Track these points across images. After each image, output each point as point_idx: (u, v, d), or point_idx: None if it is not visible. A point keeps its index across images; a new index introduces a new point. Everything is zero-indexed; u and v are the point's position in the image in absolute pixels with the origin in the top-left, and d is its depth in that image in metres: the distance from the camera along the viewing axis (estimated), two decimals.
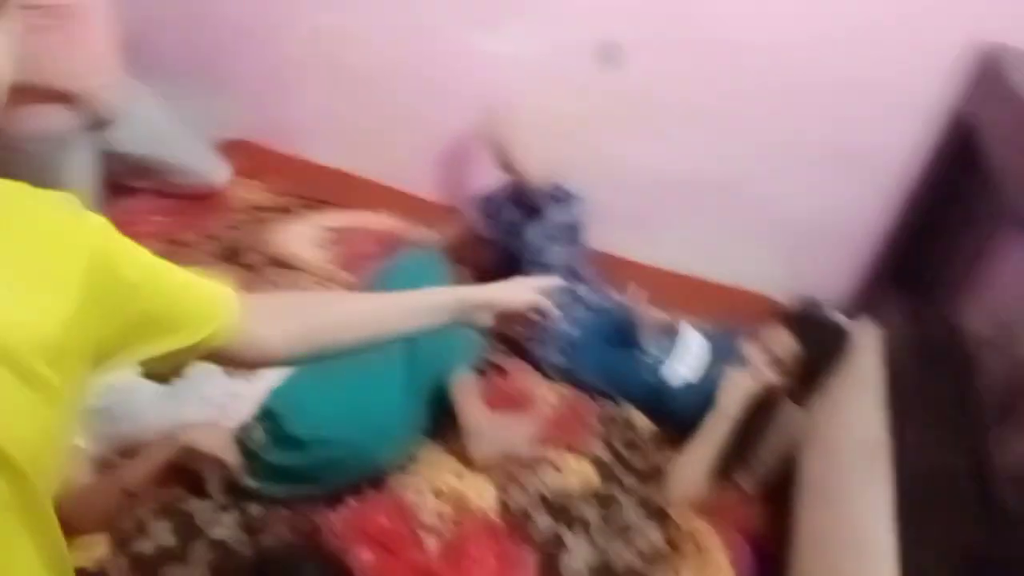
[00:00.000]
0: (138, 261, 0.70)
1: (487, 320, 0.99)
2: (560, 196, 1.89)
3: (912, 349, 1.63)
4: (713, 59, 2.02)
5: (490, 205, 2.08)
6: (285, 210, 2.43)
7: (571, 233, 1.91)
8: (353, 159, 2.51)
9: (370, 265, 2.06)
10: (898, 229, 2.01)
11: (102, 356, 0.66)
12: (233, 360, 0.80)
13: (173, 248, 2.11)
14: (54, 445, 0.58)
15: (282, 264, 2.15)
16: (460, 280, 1.89)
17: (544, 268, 1.85)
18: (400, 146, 2.46)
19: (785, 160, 2.08)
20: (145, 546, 1.36)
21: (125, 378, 1.43)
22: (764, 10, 1.94)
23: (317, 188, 2.48)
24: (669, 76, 2.09)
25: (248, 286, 1.99)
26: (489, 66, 2.25)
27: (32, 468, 0.54)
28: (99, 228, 0.66)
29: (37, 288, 0.57)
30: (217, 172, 2.37)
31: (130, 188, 2.24)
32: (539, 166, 1.93)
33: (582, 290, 1.96)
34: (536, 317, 1.02)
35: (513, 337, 1.92)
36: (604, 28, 2.11)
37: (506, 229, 2.02)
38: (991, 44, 1.74)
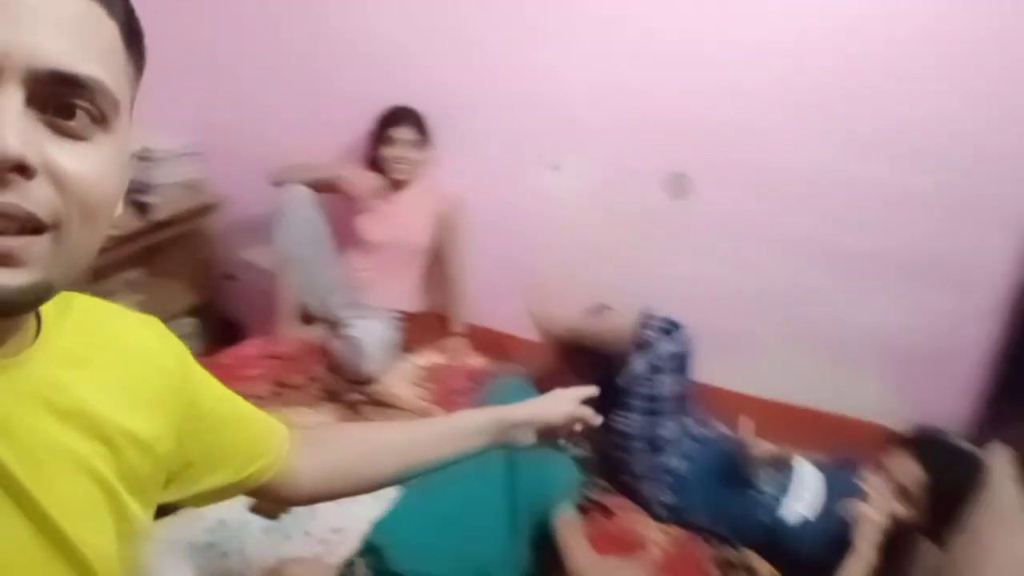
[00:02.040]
0: (211, 390, 0.72)
1: (529, 438, 0.97)
2: (666, 327, 1.87)
3: None
4: (790, 180, 2.07)
5: None
6: None
7: (678, 363, 1.87)
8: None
9: (463, 400, 2.09)
10: (1011, 344, 1.91)
11: (168, 482, 0.67)
12: (274, 496, 0.80)
13: (280, 389, 2.19)
14: (126, 565, 0.59)
15: (380, 403, 2.18)
16: None
17: (650, 400, 1.82)
18: (483, 284, 2.57)
19: (878, 277, 2.06)
20: None
21: (234, 513, 1.45)
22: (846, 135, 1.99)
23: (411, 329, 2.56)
24: (740, 202, 2.16)
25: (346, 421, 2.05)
26: (552, 201, 2.39)
27: None
28: (181, 353, 0.68)
29: (135, 403, 0.60)
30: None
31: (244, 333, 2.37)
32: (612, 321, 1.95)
33: (689, 423, 1.90)
34: (578, 428, 1.00)
35: (617, 472, 1.86)
36: (668, 160, 2.21)
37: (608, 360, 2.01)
38: None
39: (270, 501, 0.96)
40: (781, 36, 2.08)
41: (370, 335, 2.22)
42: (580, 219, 2.39)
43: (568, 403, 0.99)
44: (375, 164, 2.42)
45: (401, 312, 2.49)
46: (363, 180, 2.42)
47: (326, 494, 0.86)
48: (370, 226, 2.45)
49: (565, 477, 1.66)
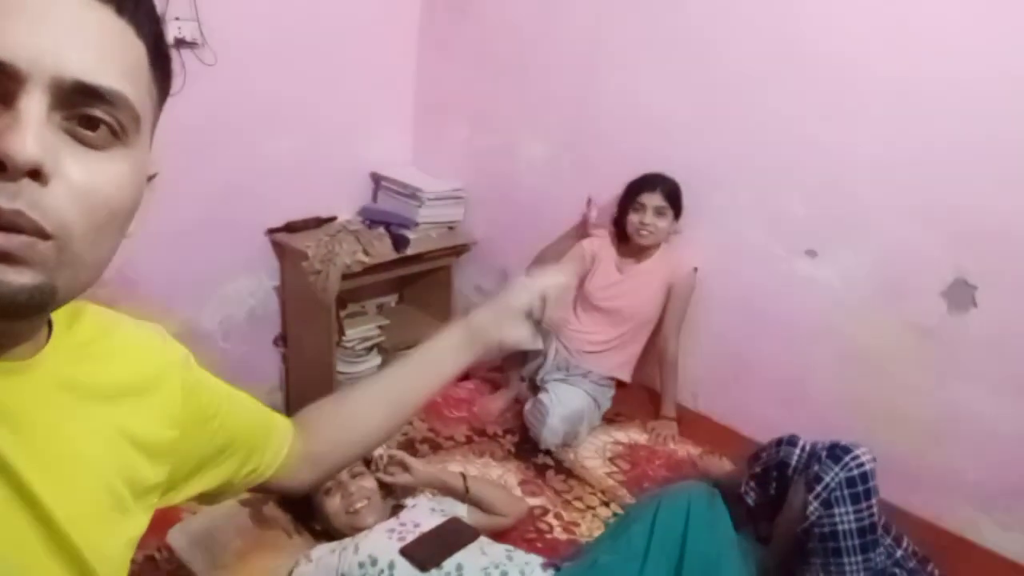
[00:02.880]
0: (216, 390, 0.73)
1: (512, 333, 0.90)
2: (836, 453, 1.58)
3: None
4: None
5: (756, 466, 1.79)
6: None
7: (857, 489, 1.56)
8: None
9: (653, 489, 1.93)
10: None
11: (170, 487, 0.68)
12: (281, 489, 0.84)
13: (475, 437, 2.23)
14: (126, 568, 0.60)
15: (568, 472, 2.10)
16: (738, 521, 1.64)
17: (831, 538, 1.53)
18: (706, 367, 2.38)
19: None
20: None
21: (386, 553, 1.48)
22: None
23: (620, 401, 2.45)
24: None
25: (529, 487, 2.00)
26: (800, 290, 2.14)
27: None
28: (185, 355, 0.69)
29: (142, 406, 0.62)
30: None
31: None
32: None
33: (879, 556, 1.57)
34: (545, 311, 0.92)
35: None
36: (951, 264, 1.87)
37: (769, 498, 1.72)
38: None
39: (277, 494, 1.04)
40: None
41: (560, 404, 2.15)
42: (830, 316, 2.10)
43: (534, 287, 0.93)
44: (621, 229, 2.37)
45: (613, 380, 2.40)
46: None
47: (329, 474, 0.88)
48: (601, 290, 2.40)
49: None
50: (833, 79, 1.98)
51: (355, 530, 1.59)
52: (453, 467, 2.01)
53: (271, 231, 2.68)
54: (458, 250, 2.98)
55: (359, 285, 2.71)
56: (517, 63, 2.67)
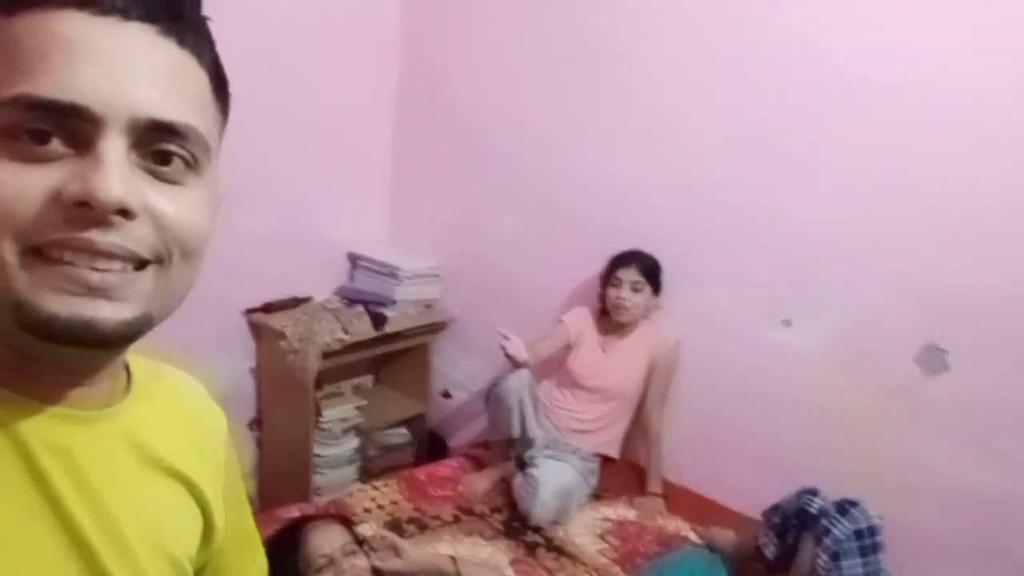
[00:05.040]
0: (237, 472, 0.70)
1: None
2: (842, 507, 1.63)
3: None
4: None
5: (775, 516, 1.83)
6: None
7: (864, 541, 1.61)
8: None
9: (646, 565, 1.91)
10: None
11: None
12: None
13: (462, 516, 2.17)
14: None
15: (559, 549, 2.06)
16: None
17: None
18: (688, 440, 2.38)
19: None
20: None
21: None
22: None
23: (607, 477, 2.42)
24: (1000, 389, 1.80)
25: (520, 567, 1.95)
26: (777, 360, 2.18)
27: None
28: (224, 421, 0.69)
29: (202, 457, 0.62)
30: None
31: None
32: None
33: None
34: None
35: None
36: (922, 328, 1.95)
37: (787, 548, 1.74)
38: None
39: None
40: None
41: (551, 479, 2.13)
42: (803, 384, 2.14)
43: None
44: (603, 305, 2.41)
45: (600, 457, 2.38)
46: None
47: None
48: (583, 368, 2.41)
49: None
50: (792, 145, 2.07)
51: None
52: (442, 548, 1.96)
53: (249, 311, 2.66)
54: (436, 327, 2.97)
55: (336, 365, 2.67)
56: (487, 141, 2.75)
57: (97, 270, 0.44)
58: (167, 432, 0.58)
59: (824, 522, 1.64)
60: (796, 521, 1.74)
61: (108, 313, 0.45)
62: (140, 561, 0.52)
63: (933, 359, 1.94)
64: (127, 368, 0.57)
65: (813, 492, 1.74)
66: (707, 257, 2.31)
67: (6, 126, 0.43)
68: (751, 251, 2.21)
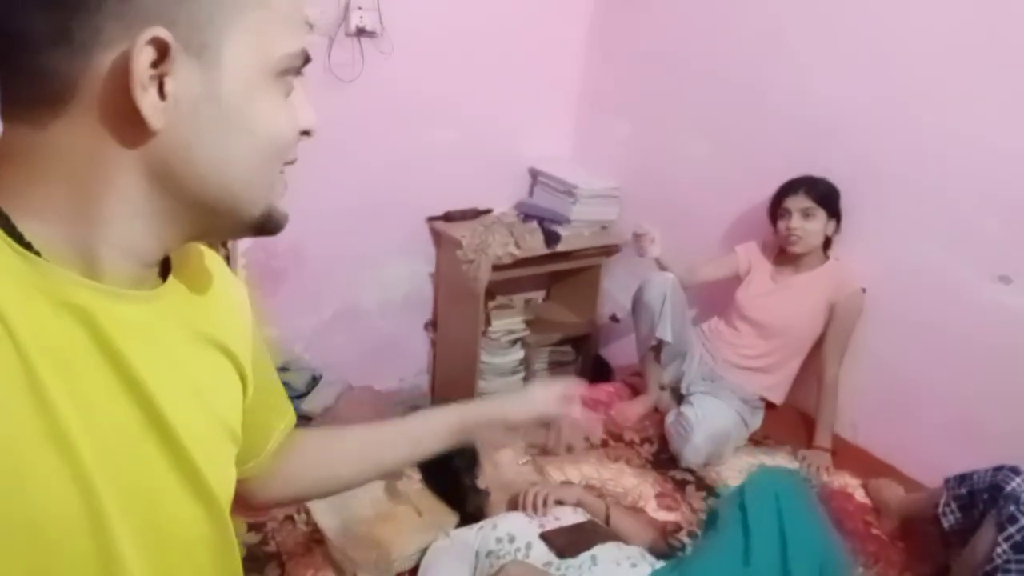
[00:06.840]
0: (261, 336, 0.73)
1: (496, 436, 0.89)
2: None
3: None
4: None
5: (962, 487, 1.66)
6: None
7: None
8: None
9: None
10: None
11: None
12: (243, 493, 0.75)
13: (611, 441, 2.18)
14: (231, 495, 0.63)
15: (709, 489, 2.01)
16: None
17: None
18: (868, 397, 2.18)
19: None
20: None
21: (526, 533, 1.51)
22: None
23: (771, 423, 2.30)
24: None
25: (665, 501, 1.93)
26: (989, 322, 1.91)
27: (226, 514, 0.60)
28: (244, 287, 0.71)
29: (236, 327, 0.65)
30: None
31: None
32: None
33: None
34: (549, 429, 0.93)
35: None
36: None
37: (969, 523, 1.58)
38: None
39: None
40: None
41: (706, 421, 2.05)
42: (1021, 352, 1.86)
43: (543, 402, 0.94)
44: (777, 239, 2.23)
45: (764, 401, 2.26)
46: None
47: (290, 500, 0.92)
48: (749, 299, 2.28)
49: None
50: None
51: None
52: (587, 470, 1.98)
53: (431, 219, 2.77)
54: (609, 250, 2.93)
55: (508, 278, 2.73)
56: (688, 58, 2.58)
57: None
58: (207, 306, 0.61)
59: (1013, 508, 1.45)
60: (987, 496, 1.57)
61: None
62: (204, 431, 0.57)
63: None
64: None
65: (1016, 471, 1.53)
66: (914, 199, 2.03)
67: (286, 69, 0.53)
68: (970, 196, 1.91)
